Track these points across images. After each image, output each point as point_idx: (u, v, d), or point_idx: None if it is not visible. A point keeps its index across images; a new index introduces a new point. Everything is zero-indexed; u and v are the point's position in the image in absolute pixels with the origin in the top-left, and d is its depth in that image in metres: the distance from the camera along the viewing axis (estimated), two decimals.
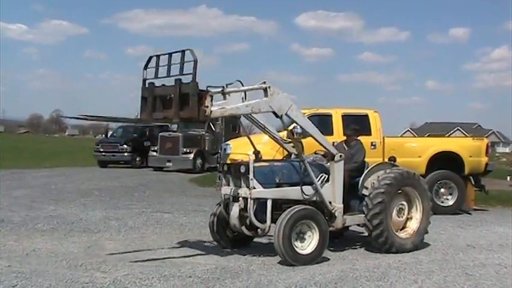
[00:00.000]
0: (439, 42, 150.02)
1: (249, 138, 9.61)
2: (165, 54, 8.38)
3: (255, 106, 8.22)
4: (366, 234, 9.29)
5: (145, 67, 8.57)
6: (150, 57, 8.58)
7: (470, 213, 14.64)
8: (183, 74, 8.06)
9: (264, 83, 8.31)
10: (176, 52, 8.20)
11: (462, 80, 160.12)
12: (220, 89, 8.09)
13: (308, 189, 8.67)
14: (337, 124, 14.47)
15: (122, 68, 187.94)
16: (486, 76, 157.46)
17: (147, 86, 8.54)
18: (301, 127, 8.64)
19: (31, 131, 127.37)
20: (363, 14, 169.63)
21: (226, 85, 8.15)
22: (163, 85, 8.41)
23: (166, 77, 8.35)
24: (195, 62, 7.88)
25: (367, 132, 14.42)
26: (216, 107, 7.99)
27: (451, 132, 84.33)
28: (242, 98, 8.26)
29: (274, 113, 8.31)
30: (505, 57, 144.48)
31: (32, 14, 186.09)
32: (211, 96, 7.88)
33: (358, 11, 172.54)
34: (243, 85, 8.30)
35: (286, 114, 8.35)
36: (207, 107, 7.81)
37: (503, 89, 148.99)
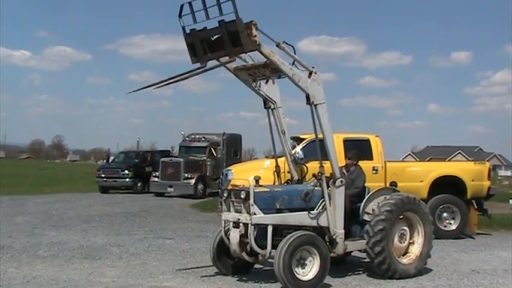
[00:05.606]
0: (441, 66, 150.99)
1: None
2: None
3: (296, 74, 8.39)
4: (368, 259, 9.24)
5: (180, 15, 8.42)
6: (182, 5, 8.36)
7: (473, 238, 14.57)
8: (223, 14, 7.96)
9: (313, 67, 8.48)
10: None
11: (464, 104, 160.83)
12: (277, 42, 8.20)
13: (309, 215, 8.64)
14: (339, 149, 14.38)
15: (125, 94, 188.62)
16: (488, 99, 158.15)
17: (188, 32, 8.43)
18: (320, 127, 8.66)
19: (32, 157, 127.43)
20: (366, 38, 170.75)
21: (284, 42, 8.29)
22: (205, 28, 8.32)
23: (205, 20, 8.23)
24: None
25: (369, 156, 14.40)
26: (268, 48, 8.10)
27: (453, 155, 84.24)
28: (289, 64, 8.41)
29: (307, 97, 8.46)
30: (506, 80, 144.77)
31: (36, 41, 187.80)
32: (256, 25, 7.89)
33: (361, 35, 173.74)
34: (295, 53, 8.42)
35: (315, 105, 8.50)
36: (255, 36, 7.88)
37: (504, 112, 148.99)
